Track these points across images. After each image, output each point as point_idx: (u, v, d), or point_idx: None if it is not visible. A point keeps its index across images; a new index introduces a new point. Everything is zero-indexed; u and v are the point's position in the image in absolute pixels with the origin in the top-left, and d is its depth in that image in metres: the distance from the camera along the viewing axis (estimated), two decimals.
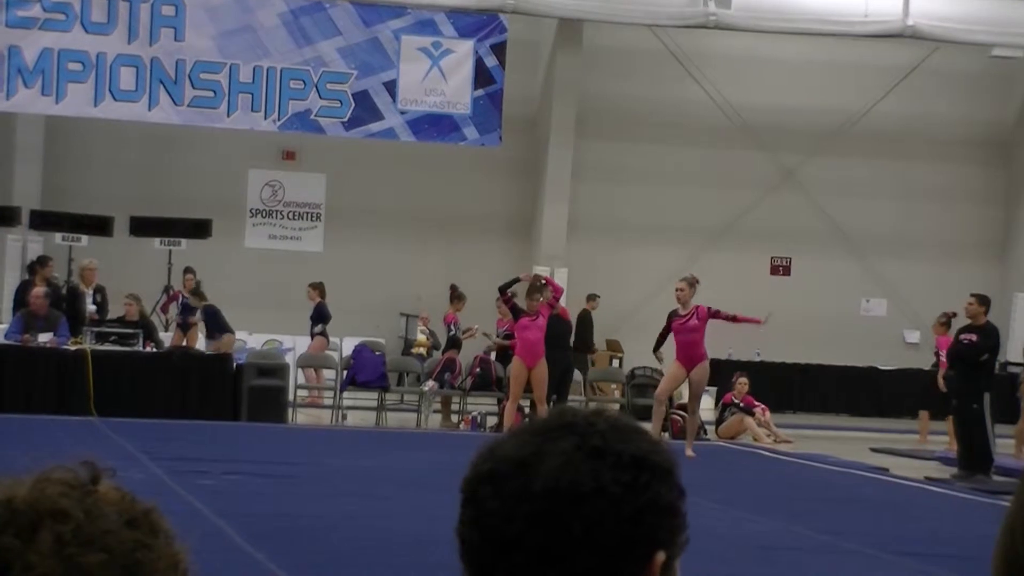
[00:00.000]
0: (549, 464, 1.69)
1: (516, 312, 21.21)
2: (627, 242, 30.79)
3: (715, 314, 20.15)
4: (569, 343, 23.89)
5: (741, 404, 24.32)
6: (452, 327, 25.59)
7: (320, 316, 25.22)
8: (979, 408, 19.12)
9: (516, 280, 21.77)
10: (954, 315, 24.55)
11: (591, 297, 28.27)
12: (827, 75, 31.42)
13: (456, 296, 25.71)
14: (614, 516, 1.68)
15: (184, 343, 24.39)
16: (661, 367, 21.20)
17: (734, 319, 20.41)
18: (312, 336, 25.47)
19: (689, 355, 20.03)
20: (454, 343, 25.45)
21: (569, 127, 30.14)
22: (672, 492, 1.75)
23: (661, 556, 1.72)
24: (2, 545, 1.44)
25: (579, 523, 1.67)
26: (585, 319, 27.68)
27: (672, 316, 20.39)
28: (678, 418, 22.79)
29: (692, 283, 20.39)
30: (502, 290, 21.80)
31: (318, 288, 25.41)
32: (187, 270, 25.63)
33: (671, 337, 20.43)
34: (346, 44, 27.56)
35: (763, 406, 24.54)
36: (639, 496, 1.70)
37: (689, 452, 19.66)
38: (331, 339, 26.86)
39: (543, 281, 21.72)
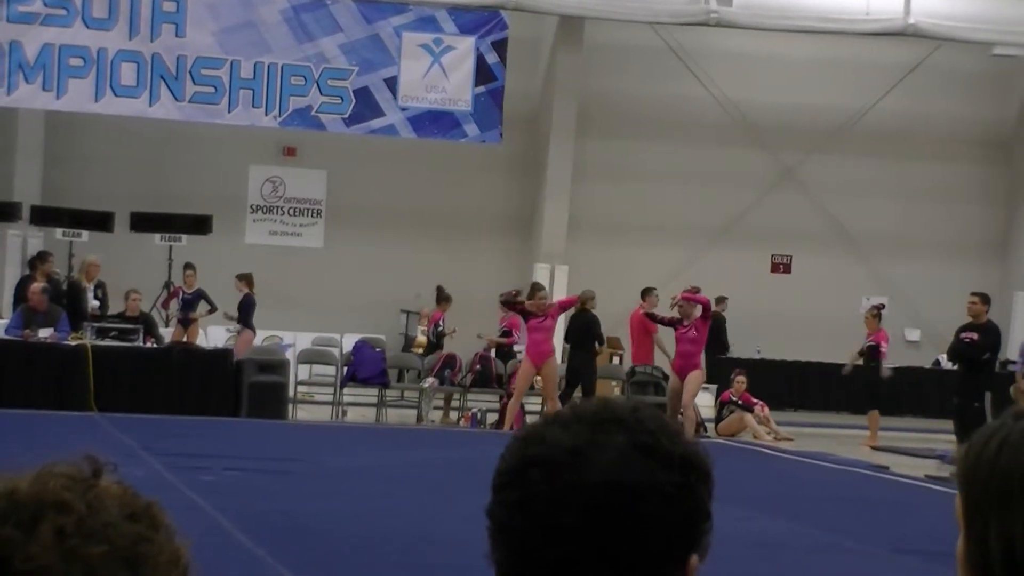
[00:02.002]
0: (604, 457, 1.70)
1: (525, 315, 21.84)
2: (628, 240, 30.76)
3: (701, 305, 21.66)
4: (593, 344, 24.10)
5: (739, 402, 24.34)
6: (439, 324, 25.62)
7: (246, 308, 24.85)
8: (980, 407, 19.15)
9: (517, 300, 22.11)
10: (883, 307, 25.15)
11: (719, 300, 28.69)
12: (828, 73, 31.39)
13: (442, 297, 25.76)
14: (666, 515, 1.69)
15: (185, 339, 24.40)
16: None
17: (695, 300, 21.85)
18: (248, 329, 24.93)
19: (685, 364, 21.11)
20: (439, 343, 25.49)
21: (570, 125, 30.11)
22: (711, 496, 1.77)
23: (695, 560, 1.73)
24: (3, 536, 1.44)
25: (633, 519, 1.68)
26: (718, 322, 28.24)
27: (677, 322, 21.66)
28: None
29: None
30: (507, 304, 22.34)
31: (246, 279, 25.04)
32: (187, 266, 25.61)
33: (671, 344, 21.42)
34: (347, 40, 27.55)
35: (761, 403, 24.56)
36: (688, 498, 1.72)
37: None
38: (328, 335, 26.84)
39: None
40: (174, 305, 25.81)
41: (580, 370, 23.68)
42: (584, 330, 23.85)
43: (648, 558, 1.70)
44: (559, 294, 29.76)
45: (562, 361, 24.26)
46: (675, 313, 21.97)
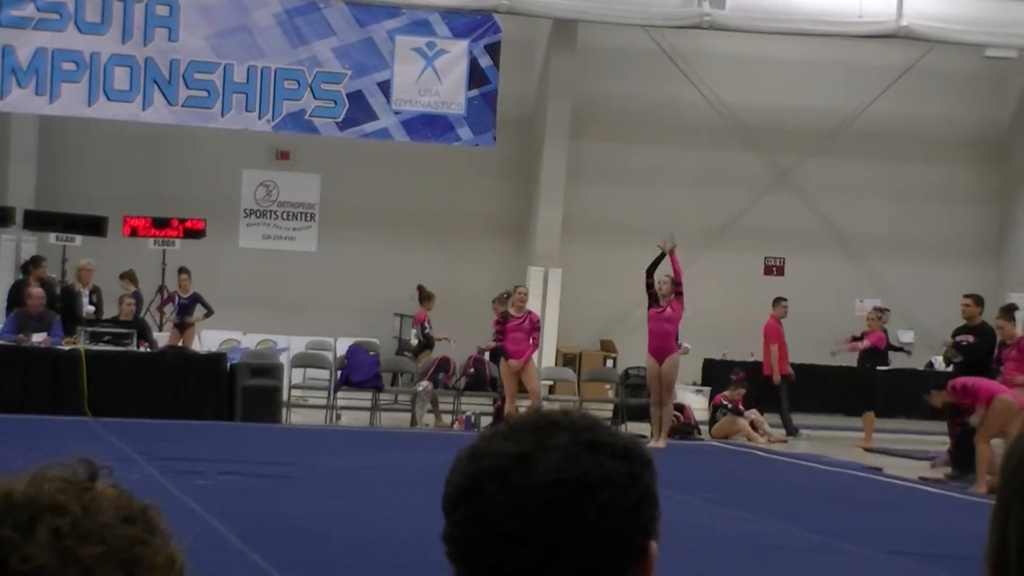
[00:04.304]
0: (552, 457, 1.73)
1: (505, 317, 22.02)
2: (621, 242, 30.74)
3: (675, 285, 21.68)
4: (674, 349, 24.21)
5: (729, 406, 24.35)
6: (426, 325, 25.62)
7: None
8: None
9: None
10: (885, 309, 25.56)
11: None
12: (821, 75, 31.42)
13: (425, 296, 25.75)
14: (620, 504, 1.72)
15: (181, 343, 24.37)
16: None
17: (677, 273, 21.94)
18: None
19: (660, 346, 21.17)
20: (427, 343, 25.49)
21: (564, 127, 30.11)
22: (656, 482, 1.80)
23: (654, 546, 1.75)
24: (0, 537, 1.45)
25: (591, 512, 1.71)
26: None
27: (651, 304, 21.79)
28: (674, 417, 22.92)
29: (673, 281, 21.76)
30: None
31: (128, 276, 25.04)
32: (182, 270, 25.58)
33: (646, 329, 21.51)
34: (340, 44, 27.54)
35: (751, 410, 24.55)
36: (637, 485, 1.75)
37: (661, 444, 20.29)
38: (322, 339, 26.81)
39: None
40: (169, 309, 25.73)
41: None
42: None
43: (608, 549, 1.72)
44: (553, 297, 29.83)
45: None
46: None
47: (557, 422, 1.78)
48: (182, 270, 25.49)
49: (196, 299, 25.21)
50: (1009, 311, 20.18)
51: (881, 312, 25.56)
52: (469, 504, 1.74)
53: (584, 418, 1.81)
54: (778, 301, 25.76)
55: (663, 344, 21.24)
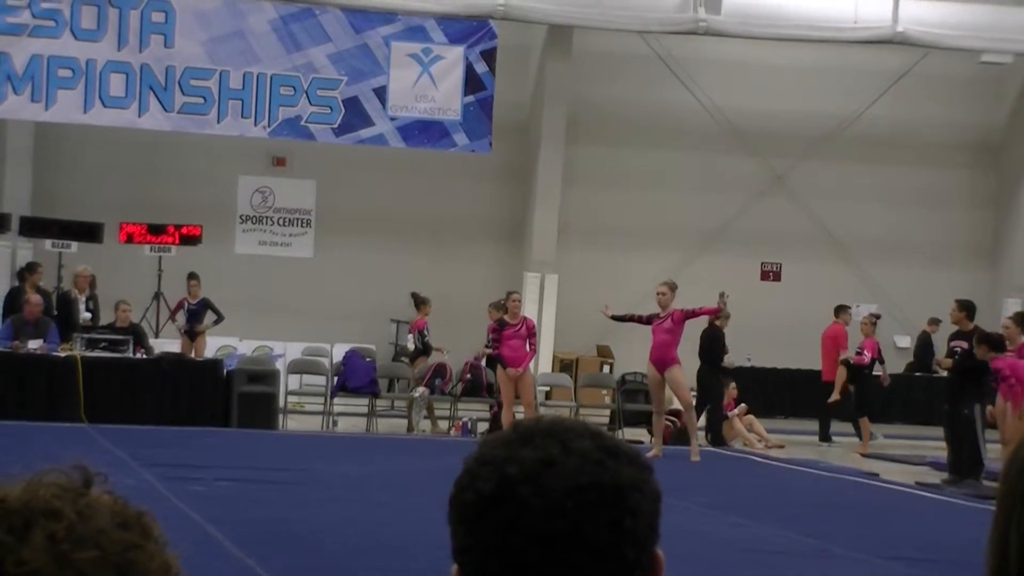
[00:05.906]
0: (581, 461, 1.74)
1: (501, 324, 21.91)
2: (617, 247, 30.78)
3: (688, 314, 21.15)
4: (710, 358, 24.11)
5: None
6: (425, 332, 25.59)
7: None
8: (970, 414, 19.15)
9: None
10: (879, 316, 25.52)
11: (933, 321, 28.63)
12: (817, 80, 31.44)
13: (420, 302, 25.69)
14: (645, 508, 1.75)
15: (193, 352, 24.24)
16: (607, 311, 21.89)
17: (695, 313, 21.38)
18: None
19: (660, 356, 20.99)
20: (425, 350, 25.46)
21: (559, 132, 30.12)
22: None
23: (661, 555, 1.77)
24: None
25: (626, 515, 1.73)
26: (927, 341, 28.31)
27: (653, 317, 21.29)
28: (669, 424, 22.84)
29: (673, 287, 21.40)
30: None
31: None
32: (191, 276, 25.11)
33: (648, 336, 21.28)
34: (336, 50, 27.54)
35: (739, 409, 24.53)
36: (654, 489, 1.78)
37: (654, 452, 20.16)
38: (319, 345, 26.83)
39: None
40: (180, 317, 25.29)
41: (708, 384, 23.91)
42: (710, 346, 24.11)
43: (639, 552, 1.74)
44: (549, 302, 29.83)
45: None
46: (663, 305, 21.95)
47: (571, 428, 1.79)
48: (192, 275, 25.08)
49: (206, 305, 24.91)
50: (1022, 319, 19.97)
51: (876, 319, 25.61)
52: (501, 510, 1.73)
53: (591, 426, 1.82)
54: (844, 309, 25.67)
55: (663, 354, 21.05)
